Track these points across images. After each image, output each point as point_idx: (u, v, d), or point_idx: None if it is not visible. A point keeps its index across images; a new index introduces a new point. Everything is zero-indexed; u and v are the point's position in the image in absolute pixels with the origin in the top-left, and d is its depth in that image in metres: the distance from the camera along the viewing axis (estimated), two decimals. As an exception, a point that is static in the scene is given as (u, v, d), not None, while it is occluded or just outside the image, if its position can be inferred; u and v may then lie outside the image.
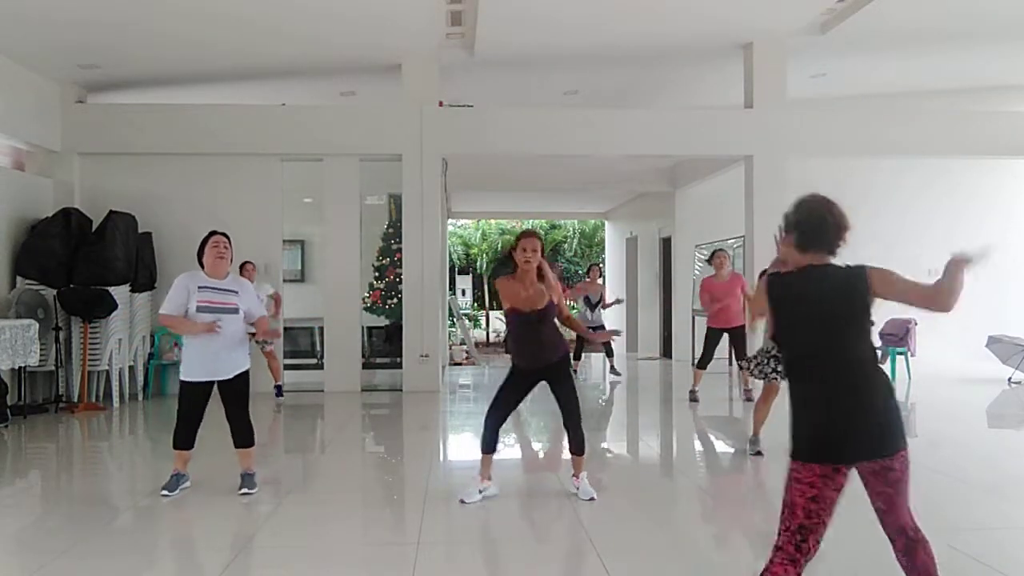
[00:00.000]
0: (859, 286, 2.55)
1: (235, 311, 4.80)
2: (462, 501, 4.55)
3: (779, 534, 2.56)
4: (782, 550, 2.52)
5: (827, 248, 2.62)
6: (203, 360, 4.76)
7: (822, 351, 2.57)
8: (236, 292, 4.84)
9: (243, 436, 4.91)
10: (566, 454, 4.87)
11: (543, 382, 4.75)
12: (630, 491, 5.29)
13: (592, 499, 4.66)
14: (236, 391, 4.86)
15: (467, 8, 8.16)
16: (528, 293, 4.58)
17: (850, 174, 11.50)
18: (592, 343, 9.08)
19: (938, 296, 2.48)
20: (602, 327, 10.79)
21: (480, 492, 4.64)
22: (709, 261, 8.79)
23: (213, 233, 4.92)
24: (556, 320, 4.73)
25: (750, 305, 5.67)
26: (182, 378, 4.83)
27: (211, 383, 4.81)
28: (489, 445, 4.69)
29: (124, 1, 7.37)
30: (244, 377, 4.89)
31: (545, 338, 4.65)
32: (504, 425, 4.77)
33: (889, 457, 2.51)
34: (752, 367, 5.91)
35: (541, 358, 4.66)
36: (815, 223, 2.62)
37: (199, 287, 4.75)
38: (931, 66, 9.95)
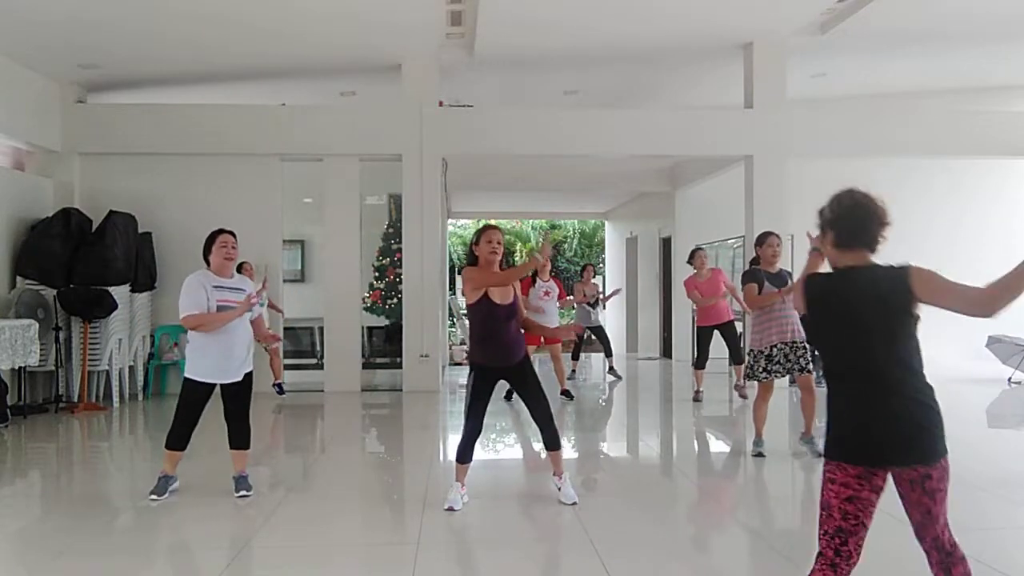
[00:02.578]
0: (899, 288, 2.42)
1: (248, 310, 4.75)
2: (451, 508, 4.48)
3: (819, 538, 2.49)
4: (822, 555, 2.46)
5: (868, 245, 2.52)
6: (216, 359, 4.65)
7: (857, 354, 2.47)
8: (244, 291, 4.76)
9: (241, 438, 4.84)
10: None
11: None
12: (630, 491, 5.29)
13: (574, 504, 4.57)
14: (241, 392, 4.80)
15: (467, 8, 8.16)
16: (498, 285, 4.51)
17: (850, 174, 11.46)
18: (555, 338, 8.92)
19: (988, 300, 2.27)
20: (601, 328, 10.81)
21: (461, 498, 4.58)
22: (690, 261, 8.88)
23: (220, 232, 4.80)
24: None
25: (751, 300, 5.73)
26: (188, 375, 4.69)
27: (211, 387, 4.72)
28: (466, 456, 4.61)
29: (124, 1, 7.37)
30: (250, 377, 4.84)
31: (510, 336, 4.56)
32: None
33: (926, 465, 2.41)
34: (745, 368, 5.95)
35: (505, 356, 4.56)
36: (855, 219, 2.51)
37: (213, 286, 4.66)
38: (931, 66, 9.94)
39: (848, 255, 2.53)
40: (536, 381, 4.66)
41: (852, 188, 2.59)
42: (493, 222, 4.54)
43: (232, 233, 4.84)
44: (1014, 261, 2.23)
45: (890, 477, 2.48)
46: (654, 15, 8.16)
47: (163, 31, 8.11)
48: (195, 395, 4.70)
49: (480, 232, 4.57)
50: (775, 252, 5.86)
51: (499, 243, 4.48)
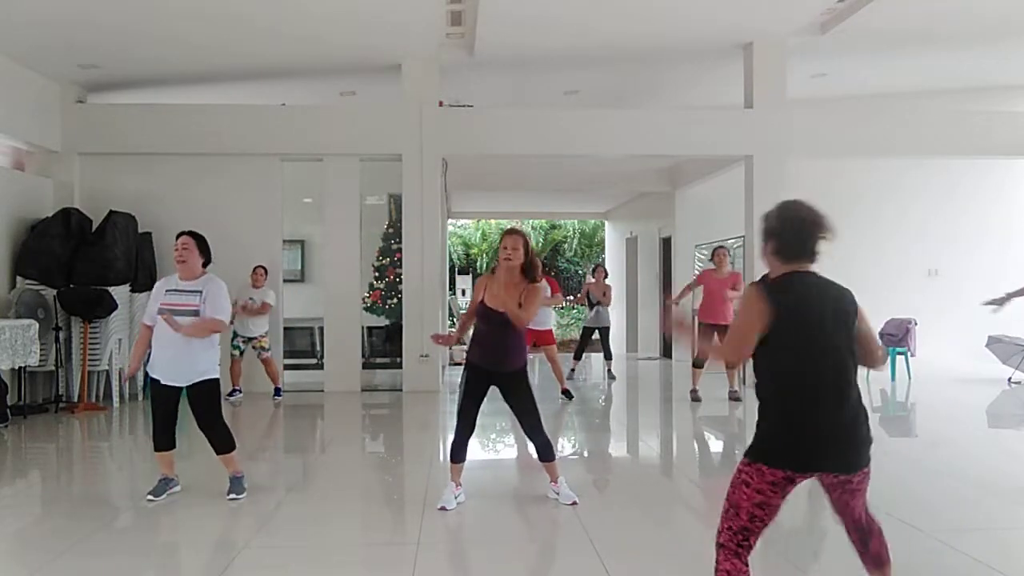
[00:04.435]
0: (853, 306, 2.59)
1: (195, 312, 4.62)
2: (443, 508, 4.49)
3: (720, 531, 2.59)
4: (725, 547, 2.57)
5: (809, 257, 2.58)
6: (161, 361, 4.66)
7: (825, 363, 2.52)
8: (200, 292, 4.68)
9: (219, 443, 4.79)
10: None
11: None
12: (630, 491, 5.29)
13: (575, 503, 4.58)
14: (200, 400, 4.70)
15: (467, 8, 8.16)
16: (500, 291, 4.50)
17: (849, 174, 11.51)
18: (549, 340, 9.22)
19: (883, 358, 2.72)
20: (607, 329, 10.83)
21: (456, 497, 4.58)
22: (712, 257, 8.99)
23: (179, 234, 4.80)
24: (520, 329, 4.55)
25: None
26: (149, 372, 4.76)
27: (175, 387, 4.68)
28: (459, 456, 4.61)
29: (124, 1, 7.37)
30: (209, 385, 4.72)
31: (505, 343, 4.52)
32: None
33: (852, 474, 2.56)
34: None
35: (495, 360, 4.55)
36: (802, 232, 2.55)
37: (166, 291, 4.70)
38: (931, 66, 9.95)
39: (790, 265, 2.59)
40: (528, 394, 4.61)
41: (798, 199, 2.65)
42: (515, 225, 4.45)
43: (190, 234, 4.79)
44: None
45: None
46: (654, 15, 8.16)
47: (163, 31, 8.11)
48: (158, 395, 4.72)
49: (502, 237, 4.64)
50: None
51: (513, 249, 4.50)
